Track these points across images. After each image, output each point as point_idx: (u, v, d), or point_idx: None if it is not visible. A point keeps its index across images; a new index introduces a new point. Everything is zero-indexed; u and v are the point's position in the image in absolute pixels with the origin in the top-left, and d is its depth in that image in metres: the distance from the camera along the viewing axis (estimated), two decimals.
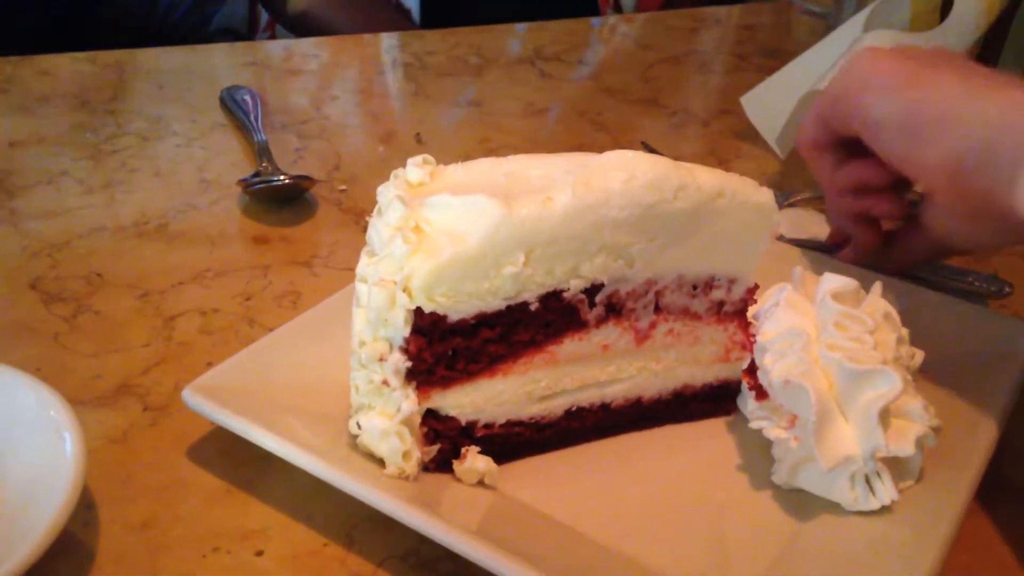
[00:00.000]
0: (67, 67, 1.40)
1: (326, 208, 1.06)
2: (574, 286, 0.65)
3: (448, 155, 0.71)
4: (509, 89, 1.43)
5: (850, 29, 1.15)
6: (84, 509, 0.64)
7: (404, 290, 0.61)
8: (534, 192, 0.63)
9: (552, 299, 0.65)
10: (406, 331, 0.62)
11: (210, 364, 0.72)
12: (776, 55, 1.54)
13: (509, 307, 0.64)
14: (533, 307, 0.65)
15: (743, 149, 1.25)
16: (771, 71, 1.24)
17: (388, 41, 1.64)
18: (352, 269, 0.65)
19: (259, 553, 0.62)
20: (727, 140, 1.28)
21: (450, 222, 0.62)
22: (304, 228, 1.01)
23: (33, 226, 0.99)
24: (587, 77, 1.51)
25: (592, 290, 0.66)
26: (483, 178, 0.67)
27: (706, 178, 0.66)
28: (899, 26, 1.14)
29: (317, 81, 1.45)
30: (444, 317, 0.62)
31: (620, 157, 0.65)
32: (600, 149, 0.66)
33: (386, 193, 0.64)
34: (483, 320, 0.64)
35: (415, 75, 1.49)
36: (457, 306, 0.62)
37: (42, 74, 1.37)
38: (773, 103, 1.16)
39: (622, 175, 0.63)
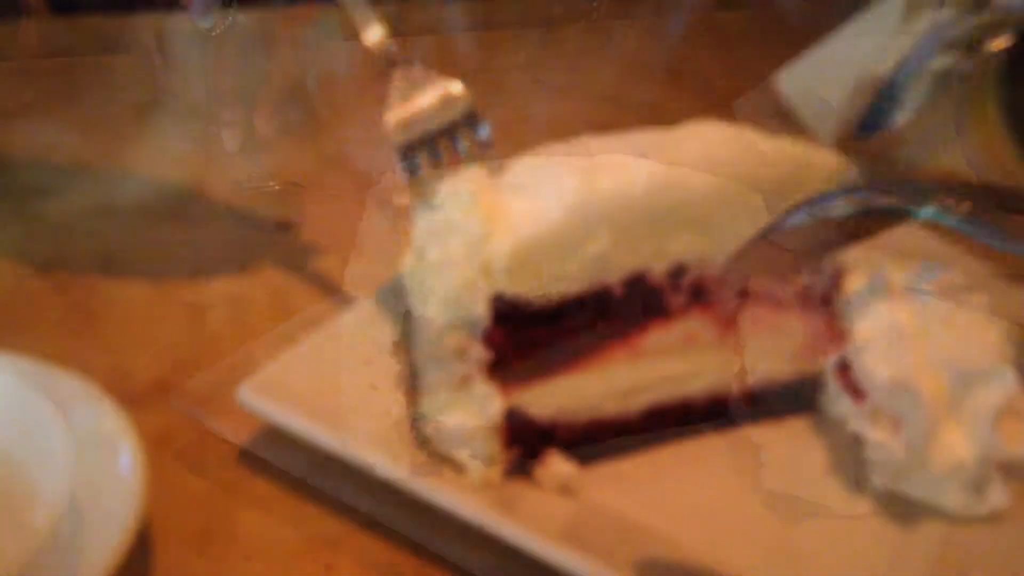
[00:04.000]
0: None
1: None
2: (658, 268, 0.62)
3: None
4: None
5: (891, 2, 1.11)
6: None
7: (484, 274, 0.56)
8: (614, 168, 0.60)
9: (636, 283, 0.62)
10: (486, 320, 0.57)
11: (246, 358, 0.66)
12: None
13: (593, 292, 0.60)
14: (617, 292, 0.61)
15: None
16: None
17: None
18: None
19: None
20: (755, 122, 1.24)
21: (529, 201, 0.59)
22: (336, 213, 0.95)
23: (38, 205, 0.92)
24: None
25: (677, 272, 0.63)
26: (556, 160, 0.63)
27: (791, 148, 0.64)
28: None
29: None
30: (527, 303, 0.58)
31: (699, 130, 0.63)
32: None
33: (451, 184, 0.61)
34: (566, 306, 0.60)
35: None
36: (540, 290, 0.58)
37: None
38: (815, 84, 1.12)
39: (701, 147, 0.61)
